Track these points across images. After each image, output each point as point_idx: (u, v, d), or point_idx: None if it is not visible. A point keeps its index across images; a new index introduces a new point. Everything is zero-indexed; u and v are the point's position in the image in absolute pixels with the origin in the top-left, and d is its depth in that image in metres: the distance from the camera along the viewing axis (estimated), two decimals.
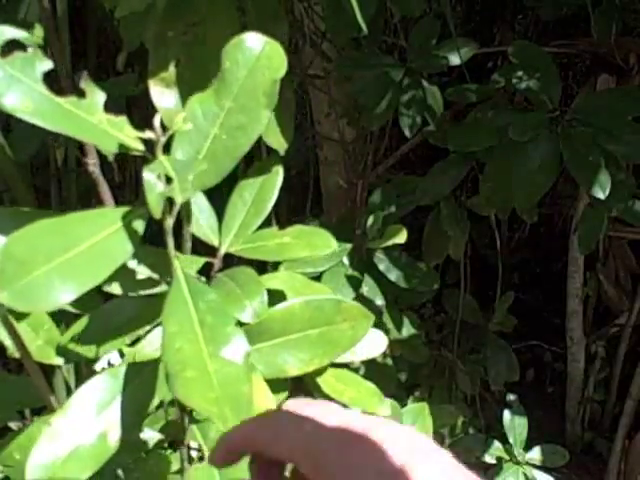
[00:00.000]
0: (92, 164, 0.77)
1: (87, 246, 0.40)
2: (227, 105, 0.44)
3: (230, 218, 0.60)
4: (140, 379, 0.50)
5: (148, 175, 0.40)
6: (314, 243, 0.58)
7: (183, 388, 0.39)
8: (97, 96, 0.42)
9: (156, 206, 0.40)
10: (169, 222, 0.43)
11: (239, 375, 0.40)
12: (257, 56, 0.44)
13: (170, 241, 0.44)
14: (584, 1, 1.21)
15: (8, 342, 0.64)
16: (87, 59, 1.22)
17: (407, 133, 1.21)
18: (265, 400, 0.59)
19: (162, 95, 0.56)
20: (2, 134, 0.75)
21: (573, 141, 1.07)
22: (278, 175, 0.62)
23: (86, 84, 0.41)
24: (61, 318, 0.74)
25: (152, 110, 0.57)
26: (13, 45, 0.41)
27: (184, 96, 0.56)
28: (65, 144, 1.04)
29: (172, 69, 0.51)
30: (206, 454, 0.55)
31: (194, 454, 0.60)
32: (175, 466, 0.61)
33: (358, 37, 1.22)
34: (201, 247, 0.59)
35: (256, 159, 1.40)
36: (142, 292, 0.53)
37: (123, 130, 0.42)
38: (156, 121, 0.41)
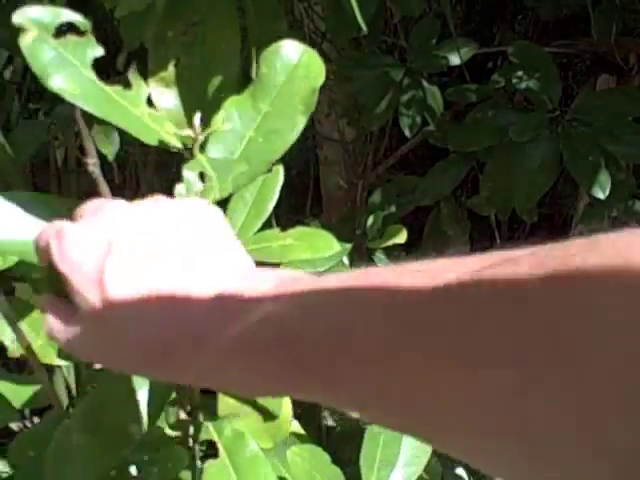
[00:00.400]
0: (92, 164, 0.77)
1: None
2: (264, 109, 0.44)
3: (231, 219, 0.60)
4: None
5: (188, 173, 0.40)
6: (316, 245, 0.58)
7: None
8: (142, 89, 0.43)
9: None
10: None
11: None
12: (295, 65, 0.45)
13: None
14: (584, 1, 1.21)
15: (8, 342, 0.64)
16: None
17: (407, 133, 1.21)
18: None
19: (162, 95, 0.56)
20: (2, 134, 0.75)
21: (573, 141, 1.07)
22: (278, 175, 0.61)
23: (133, 76, 0.42)
24: None
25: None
26: (67, 28, 0.41)
27: (184, 96, 0.56)
28: (65, 144, 1.04)
29: (172, 69, 0.51)
30: (221, 451, 0.55)
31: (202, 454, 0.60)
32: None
33: (358, 37, 1.22)
34: None
35: None
36: None
37: (163, 125, 0.43)
38: (196, 120, 0.42)
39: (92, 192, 0.76)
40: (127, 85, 0.42)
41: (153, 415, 0.50)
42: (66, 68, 0.40)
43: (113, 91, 0.41)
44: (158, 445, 0.58)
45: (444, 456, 1.28)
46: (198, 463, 0.58)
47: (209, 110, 0.55)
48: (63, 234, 0.31)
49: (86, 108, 0.40)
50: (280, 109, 0.44)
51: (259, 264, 0.60)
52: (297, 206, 1.70)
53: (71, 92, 0.40)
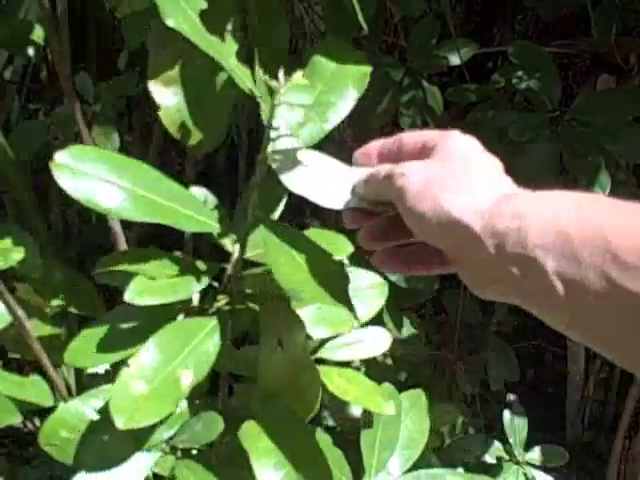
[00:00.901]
0: None
1: None
2: (319, 87, 0.54)
3: (241, 222, 0.60)
4: (204, 332, 0.56)
5: (283, 108, 0.50)
6: (331, 247, 0.59)
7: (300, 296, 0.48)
8: (232, 45, 0.52)
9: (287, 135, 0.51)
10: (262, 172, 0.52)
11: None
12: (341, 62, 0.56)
13: (255, 194, 0.54)
14: (584, 1, 1.21)
15: (8, 342, 0.64)
16: (87, 59, 1.22)
17: None
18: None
19: (162, 95, 0.56)
20: (2, 134, 0.75)
21: (573, 141, 1.07)
22: None
23: (228, 32, 0.54)
24: (62, 319, 0.74)
25: (152, 110, 0.57)
26: None
27: (185, 96, 0.56)
28: (65, 144, 1.04)
29: (172, 69, 0.51)
30: (255, 411, 0.58)
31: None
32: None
33: (358, 37, 1.21)
34: (215, 252, 0.59)
35: (256, 157, 1.40)
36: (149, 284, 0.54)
37: (250, 76, 0.51)
38: (280, 73, 0.48)
39: None
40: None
41: (201, 367, 0.54)
42: (180, 11, 0.50)
43: (212, 39, 0.50)
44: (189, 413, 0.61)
45: (444, 456, 1.28)
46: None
47: (214, 107, 0.55)
48: (408, 172, 0.41)
49: (194, 40, 0.49)
50: (333, 87, 0.55)
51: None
52: (297, 206, 1.70)
53: (184, 28, 0.49)
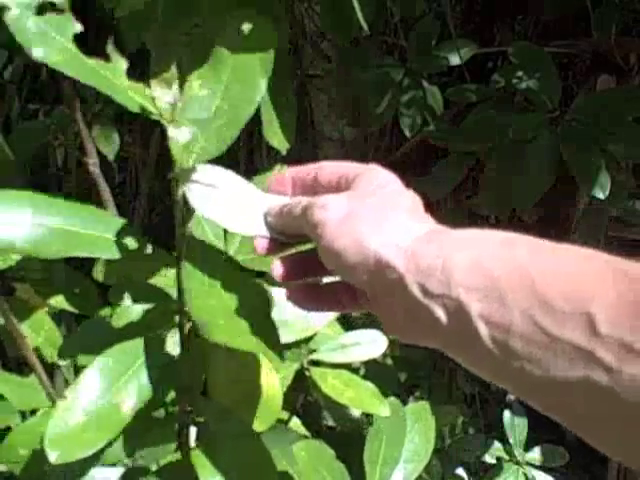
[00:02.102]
0: (92, 164, 0.77)
1: None
2: (224, 78, 0.48)
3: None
4: (151, 350, 0.52)
5: (173, 130, 0.45)
6: None
7: (217, 333, 0.42)
8: (121, 63, 0.45)
9: (180, 155, 0.44)
10: (180, 192, 0.44)
11: (264, 306, 0.45)
12: (247, 34, 0.48)
13: (179, 213, 0.46)
14: (584, 1, 1.21)
15: (8, 342, 0.64)
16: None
17: (407, 133, 1.21)
18: (270, 377, 0.60)
19: (163, 95, 0.56)
20: (2, 134, 0.75)
21: (573, 141, 1.07)
22: None
23: (111, 51, 0.44)
24: (61, 319, 0.74)
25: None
26: (47, 8, 0.44)
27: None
28: (65, 144, 1.04)
29: (173, 69, 0.51)
30: (210, 430, 0.56)
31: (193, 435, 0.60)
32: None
33: (358, 37, 1.21)
34: None
35: (257, 159, 1.40)
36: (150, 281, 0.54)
37: (143, 93, 0.46)
38: (174, 87, 0.45)
39: (92, 192, 0.76)
40: (107, 60, 0.45)
41: (144, 392, 0.51)
42: (49, 40, 0.44)
43: (94, 63, 0.44)
44: (147, 429, 0.59)
45: (444, 456, 1.28)
46: (191, 445, 0.58)
47: None
48: (327, 206, 0.39)
49: (70, 74, 0.43)
50: (240, 75, 0.48)
51: (259, 275, 0.60)
52: None
53: (55, 61, 0.43)
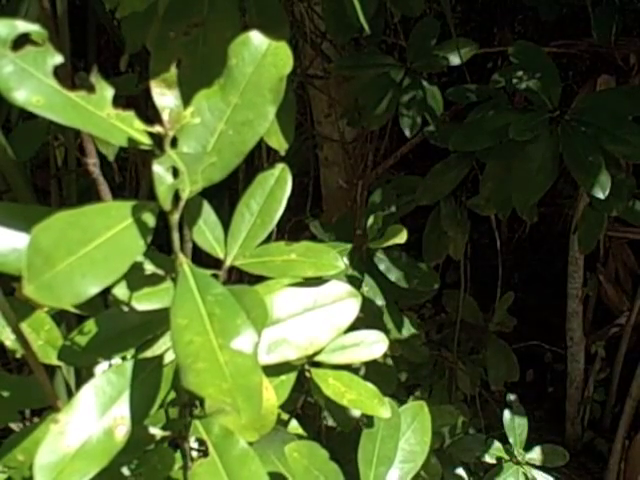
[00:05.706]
0: (92, 164, 0.77)
1: (104, 240, 0.40)
2: (233, 101, 0.45)
3: (236, 229, 0.59)
4: (146, 374, 0.50)
5: (157, 168, 0.40)
6: (320, 263, 0.57)
7: (196, 380, 0.39)
8: (106, 91, 0.43)
9: (165, 198, 0.40)
10: (175, 217, 0.43)
11: (250, 365, 0.40)
12: (263, 53, 0.45)
13: (176, 236, 0.44)
14: (584, 1, 1.21)
15: (9, 342, 0.64)
16: (87, 59, 1.22)
17: (407, 133, 1.21)
18: (268, 392, 0.60)
19: (163, 96, 0.56)
20: (2, 134, 0.75)
21: (573, 141, 1.07)
22: (287, 184, 0.59)
23: (96, 79, 0.42)
24: (61, 319, 0.74)
25: (152, 110, 0.57)
26: (25, 39, 0.41)
27: (186, 97, 0.56)
28: (65, 144, 1.04)
29: (174, 70, 0.51)
30: (210, 449, 0.55)
31: (195, 453, 0.60)
32: (178, 464, 0.61)
33: (358, 37, 1.22)
34: (206, 258, 0.59)
35: (256, 159, 1.40)
36: (148, 289, 0.53)
37: (132, 124, 0.43)
38: (165, 115, 0.42)
39: (92, 192, 0.76)
40: (91, 89, 0.42)
41: (145, 413, 0.50)
42: (28, 80, 0.40)
43: (77, 97, 0.42)
44: (147, 445, 0.58)
45: (444, 456, 1.28)
46: (190, 463, 0.57)
47: None
48: None
49: (52, 118, 0.40)
50: (249, 100, 0.45)
51: (259, 278, 0.59)
52: (297, 206, 1.70)
53: (36, 104, 0.40)
